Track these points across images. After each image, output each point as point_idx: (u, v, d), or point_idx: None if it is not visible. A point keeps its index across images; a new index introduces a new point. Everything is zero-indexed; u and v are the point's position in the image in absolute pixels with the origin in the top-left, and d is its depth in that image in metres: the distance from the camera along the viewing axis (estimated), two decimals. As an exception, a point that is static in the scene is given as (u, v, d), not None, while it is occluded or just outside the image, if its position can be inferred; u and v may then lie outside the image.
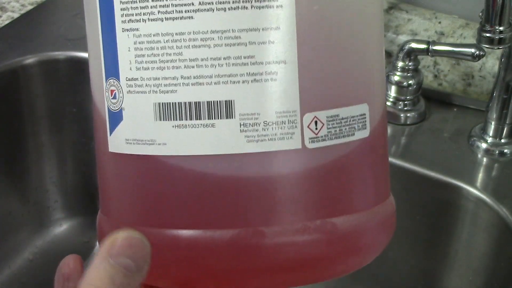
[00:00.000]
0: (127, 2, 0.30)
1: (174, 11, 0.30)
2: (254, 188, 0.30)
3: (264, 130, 0.30)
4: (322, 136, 0.31)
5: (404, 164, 0.60)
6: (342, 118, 0.31)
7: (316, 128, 0.31)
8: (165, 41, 0.30)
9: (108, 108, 0.32)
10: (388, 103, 0.65)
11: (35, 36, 0.75)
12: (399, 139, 0.64)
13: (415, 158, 0.61)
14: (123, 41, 0.31)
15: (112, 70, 0.32)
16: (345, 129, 0.31)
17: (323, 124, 0.31)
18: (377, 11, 0.33)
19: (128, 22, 0.31)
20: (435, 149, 0.62)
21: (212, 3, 0.29)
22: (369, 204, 0.33)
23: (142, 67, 0.31)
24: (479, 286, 0.60)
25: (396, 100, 0.64)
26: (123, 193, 0.33)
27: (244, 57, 0.30)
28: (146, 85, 0.31)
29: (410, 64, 0.62)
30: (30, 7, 0.80)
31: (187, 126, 0.30)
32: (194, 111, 0.30)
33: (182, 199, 0.31)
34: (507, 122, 0.60)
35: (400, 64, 0.63)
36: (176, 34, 0.30)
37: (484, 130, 0.62)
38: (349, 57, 0.32)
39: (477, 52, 0.57)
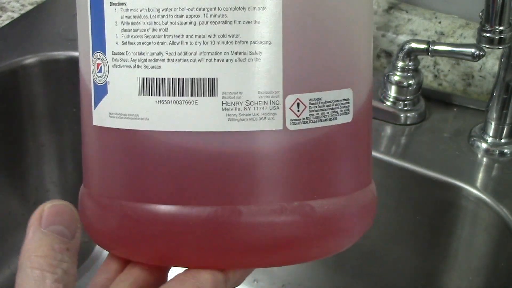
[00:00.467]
0: None
1: None
2: (234, 167, 0.31)
3: (246, 109, 0.30)
4: (303, 119, 0.31)
5: (404, 164, 0.60)
6: (325, 102, 0.31)
7: (298, 110, 0.31)
8: (151, 16, 0.30)
9: (94, 81, 0.32)
10: (388, 103, 0.65)
11: (35, 36, 0.75)
12: (399, 139, 0.64)
13: (415, 158, 0.61)
14: (110, 15, 0.31)
15: (99, 44, 0.32)
16: (328, 112, 0.31)
17: (306, 107, 0.31)
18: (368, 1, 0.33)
19: None
20: (435, 149, 0.62)
21: None
22: (348, 189, 0.33)
23: (128, 42, 0.31)
24: (479, 286, 0.60)
25: (396, 100, 0.64)
26: (104, 166, 0.33)
27: (229, 36, 0.30)
28: (131, 60, 0.31)
29: (410, 64, 0.62)
30: (30, 7, 0.80)
31: (170, 102, 0.30)
32: (178, 87, 0.30)
33: (162, 174, 0.31)
34: (507, 122, 0.60)
35: (400, 64, 0.63)
36: (163, 10, 0.30)
37: (484, 130, 0.62)
38: (335, 42, 0.32)
39: (477, 52, 0.57)
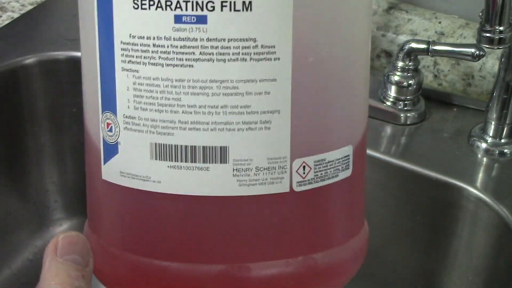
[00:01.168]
0: (127, 44, 0.31)
1: (175, 59, 0.30)
2: (242, 228, 0.32)
3: (256, 175, 0.31)
4: (309, 180, 0.32)
5: (404, 164, 0.60)
6: (328, 162, 0.32)
7: (304, 173, 0.32)
8: (164, 85, 0.30)
9: (103, 138, 0.33)
10: (388, 103, 0.65)
11: (35, 36, 0.75)
12: (399, 139, 0.64)
13: (415, 158, 0.61)
14: (122, 80, 0.31)
15: (109, 105, 0.32)
16: (330, 171, 0.33)
17: (311, 169, 0.32)
18: (366, 59, 0.34)
19: (128, 62, 0.31)
20: (435, 149, 0.62)
21: (213, 54, 0.30)
22: (346, 238, 0.35)
23: (140, 107, 0.31)
24: (479, 286, 0.60)
25: (396, 100, 0.64)
26: (114, 220, 0.34)
27: (241, 107, 0.30)
28: (143, 125, 0.31)
29: (410, 64, 0.62)
30: (30, 7, 0.79)
31: (182, 167, 0.31)
32: (190, 154, 0.31)
33: (173, 234, 0.32)
34: (507, 122, 0.60)
35: (400, 64, 0.63)
36: (176, 80, 0.30)
37: (484, 130, 0.62)
38: (338, 105, 0.33)
39: (477, 52, 0.57)
